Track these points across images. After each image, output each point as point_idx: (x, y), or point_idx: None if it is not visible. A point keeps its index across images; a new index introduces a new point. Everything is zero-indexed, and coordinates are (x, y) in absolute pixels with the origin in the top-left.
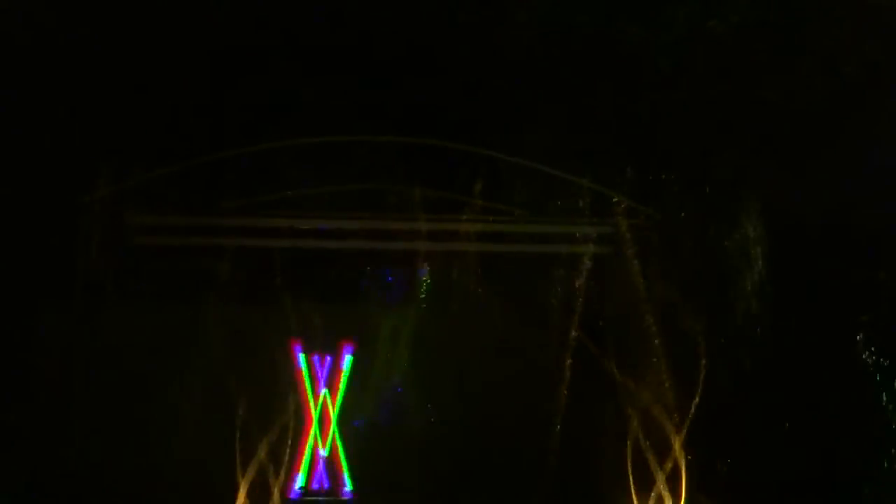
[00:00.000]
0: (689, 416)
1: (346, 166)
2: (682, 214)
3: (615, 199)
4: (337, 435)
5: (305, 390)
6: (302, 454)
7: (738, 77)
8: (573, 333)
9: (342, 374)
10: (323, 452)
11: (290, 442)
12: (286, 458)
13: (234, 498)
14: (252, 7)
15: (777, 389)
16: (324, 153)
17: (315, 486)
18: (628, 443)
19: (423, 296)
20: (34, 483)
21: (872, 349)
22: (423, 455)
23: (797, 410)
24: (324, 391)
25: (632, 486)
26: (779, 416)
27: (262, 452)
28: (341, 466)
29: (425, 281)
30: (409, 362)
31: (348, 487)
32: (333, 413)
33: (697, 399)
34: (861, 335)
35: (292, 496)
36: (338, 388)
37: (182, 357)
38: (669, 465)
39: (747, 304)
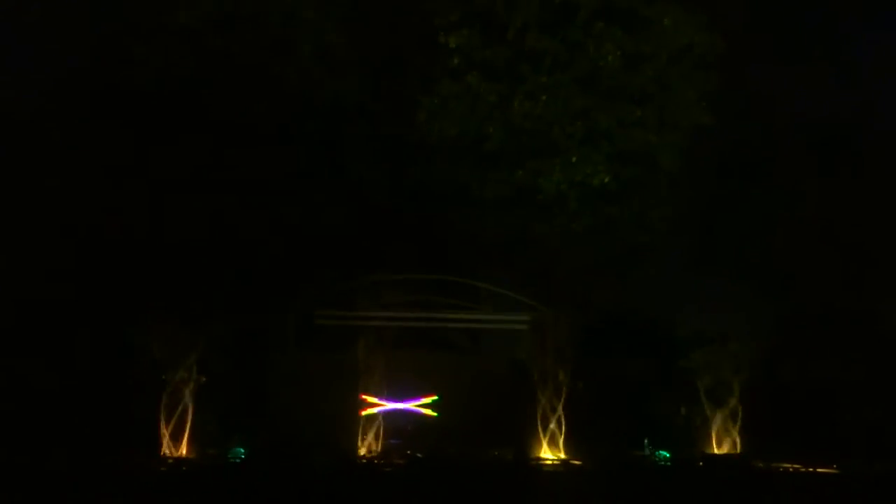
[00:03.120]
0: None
1: (408, 287)
2: (558, 312)
3: (530, 303)
4: None
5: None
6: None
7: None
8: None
9: None
10: None
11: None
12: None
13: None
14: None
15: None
16: (397, 281)
17: None
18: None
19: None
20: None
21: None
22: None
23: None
24: None
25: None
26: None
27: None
28: None
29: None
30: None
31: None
32: None
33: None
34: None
35: None
36: None
37: (333, 380)
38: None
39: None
